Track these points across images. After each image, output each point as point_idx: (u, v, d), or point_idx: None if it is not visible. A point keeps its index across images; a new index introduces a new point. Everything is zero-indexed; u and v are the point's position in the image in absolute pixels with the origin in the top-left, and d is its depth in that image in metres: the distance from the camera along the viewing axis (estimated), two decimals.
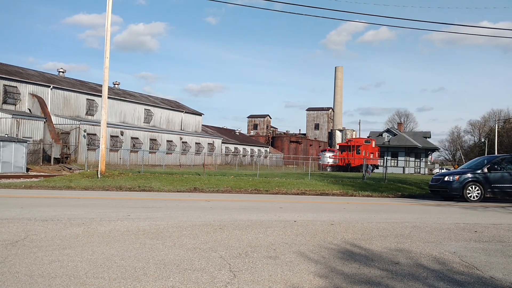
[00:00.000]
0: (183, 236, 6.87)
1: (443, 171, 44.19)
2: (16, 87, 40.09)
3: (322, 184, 21.18)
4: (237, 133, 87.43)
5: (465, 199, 16.00)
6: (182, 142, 57.10)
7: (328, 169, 57.78)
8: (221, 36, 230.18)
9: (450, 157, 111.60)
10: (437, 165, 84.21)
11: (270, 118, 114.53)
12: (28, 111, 40.31)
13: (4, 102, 38.92)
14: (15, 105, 39.90)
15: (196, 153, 57.89)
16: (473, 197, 16.03)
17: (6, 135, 31.82)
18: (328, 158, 61.10)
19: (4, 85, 39.02)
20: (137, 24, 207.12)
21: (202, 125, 70.65)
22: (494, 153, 65.68)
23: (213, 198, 14.59)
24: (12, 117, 36.35)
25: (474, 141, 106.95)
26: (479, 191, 16.09)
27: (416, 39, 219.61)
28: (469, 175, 16.42)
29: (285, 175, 28.22)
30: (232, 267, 5.04)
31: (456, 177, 16.52)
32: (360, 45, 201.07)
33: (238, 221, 8.71)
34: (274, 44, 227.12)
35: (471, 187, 16.17)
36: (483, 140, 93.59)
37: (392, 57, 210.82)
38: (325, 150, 66.86)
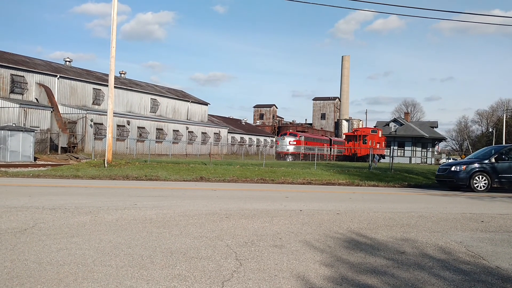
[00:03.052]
0: (190, 225, 6.91)
1: (450, 161, 44.00)
2: (23, 76, 40.26)
3: (328, 174, 21.18)
4: (243, 123, 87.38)
5: (472, 189, 15.95)
6: (189, 131, 57.20)
7: (289, 159, 47.05)
8: (229, 25, 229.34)
9: (457, 147, 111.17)
10: (444, 155, 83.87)
11: (276, 107, 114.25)
12: (35, 101, 40.51)
13: (12, 91, 39.13)
14: (22, 94, 40.11)
15: (202, 142, 57.98)
16: (480, 187, 15.97)
17: (14, 125, 32.04)
18: (288, 144, 49.34)
19: (12, 75, 39.20)
20: (145, 13, 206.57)
21: (208, 114, 70.67)
22: (502, 143, 65.23)
23: (219, 188, 14.64)
24: (20, 107, 36.54)
25: (482, 131, 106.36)
26: (486, 181, 16.02)
27: (425, 27, 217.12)
28: (476, 165, 16.35)
29: (291, 165, 28.24)
30: (238, 256, 5.07)
31: (463, 167, 16.45)
32: (368, 34, 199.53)
33: (244, 210, 8.74)
34: (282, 34, 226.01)
35: (478, 177, 16.10)
36: (490, 130, 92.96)
37: (401, 46, 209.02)
38: (285, 134, 54.12)
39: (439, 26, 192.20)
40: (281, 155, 49.44)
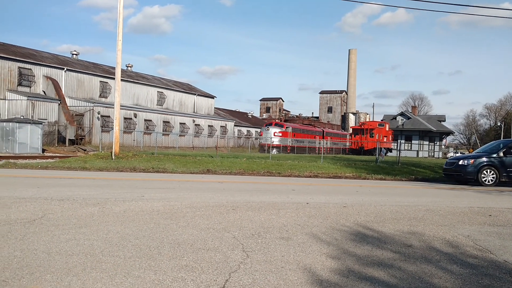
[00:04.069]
0: (197, 217, 6.94)
1: (457, 155, 43.74)
2: (30, 69, 40.44)
3: (335, 167, 21.15)
4: (250, 116, 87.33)
5: (480, 183, 15.87)
6: (195, 124, 57.29)
7: (274, 151, 41.24)
8: (235, 18, 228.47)
9: (465, 141, 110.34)
10: (451, 149, 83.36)
11: (283, 101, 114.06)
12: (43, 93, 40.70)
13: (19, 84, 39.34)
14: (30, 87, 40.31)
15: (209, 135, 58.06)
16: (488, 181, 15.88)
17: (22, 117, 32.24)
18: (273, 136, 44.75)
19: (19, 68, 39.39)
20: (152, 6, 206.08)
21: (215, 108, 70.69)
22: (510, 137, 64.74)
23: (226, 180, 14.67)
24: (28, 99, 36.74)
25: (490, 125, 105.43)
26: (494, 175, 15.93)
27: (433, 21, 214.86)
28: (484, 159, 16.25)
29: (297, 158, 28.22)
30: (245, 247, 5.09)
31: (471, 161, 16.36)
32: (375, 27, 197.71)
33: (251, 202, 8.76)
34: (289, 27, 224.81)
35: (486, 171, 16.01)
36: (499, 124, 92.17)
37: (408, 39, 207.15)
38: (269, 125, 49.74)
39: (447, 20, 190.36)
40: (264, 148, 44.63)
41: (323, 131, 59.61)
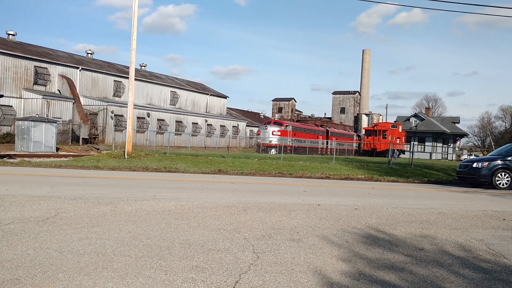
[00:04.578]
0: (208, 217, 6.97)
1: (471, 157, 43.16)
2: (46, 68, 40.95)
3: (346, 168, 21.05)
4: (262, 116, 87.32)
5: (494, 187, 15.68)
6: (207, 124, 57.47)
7: (272, 151, 40.23)
8: (249, 19, 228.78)
9: (479, 143, 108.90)
10: (465, 151, 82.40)
11: (295, 101, 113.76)
12: (58, 92, 41.17)
13: (35, 83, 39.86)
14: (46, 86, 40.80)
15: (221, 135, 58.20)
16: (503, 185, 15.68)
17: (37, 115, 32.64)
18: (271, 135, 43.12)
19: (35, 66, 39.90)
20: (166, 6, 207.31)
21: (227, 108, 70.80)
22: None
23: (237, 181, 14.69)
24: (43, 98, 37.21)
25: (505, 127, 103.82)
26: (509, 179, 15.73)
27: (449, 21, 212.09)
28: (499, 162, 16.04)
29: (309, 159, 28.14)
30: (255, 249, 5.09)
31: (485, 163, 16.16)
32: (391, 27, 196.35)
33: (262, 203, 8.76)
34: (303, 27, 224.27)
35: (501, 174, 15.81)
36: None
37: (424, 40, 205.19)
38: (268, 123, 46.92)
39: (464, 20, 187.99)
40: (262, 148, 43.30)
41: (327, 130, 57.30)
